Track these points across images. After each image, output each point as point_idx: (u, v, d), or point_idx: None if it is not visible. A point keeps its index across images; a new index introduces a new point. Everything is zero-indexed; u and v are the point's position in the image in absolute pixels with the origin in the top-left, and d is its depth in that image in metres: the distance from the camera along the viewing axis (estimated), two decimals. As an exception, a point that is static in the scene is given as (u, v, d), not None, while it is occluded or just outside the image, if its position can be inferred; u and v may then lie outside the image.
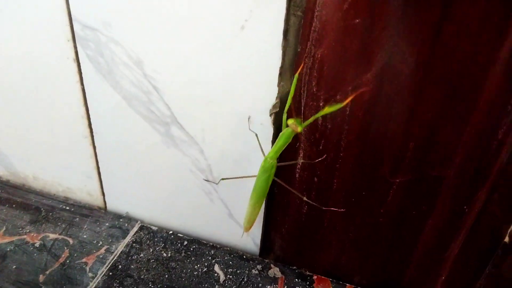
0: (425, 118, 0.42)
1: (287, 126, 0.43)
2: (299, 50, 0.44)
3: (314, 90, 0.44)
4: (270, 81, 0.46)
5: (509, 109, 0.39)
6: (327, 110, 0.40)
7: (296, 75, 0.41)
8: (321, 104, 0.45)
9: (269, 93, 0.47)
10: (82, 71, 0.54)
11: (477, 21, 0.36)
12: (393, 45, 0.38)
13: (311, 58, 0.43)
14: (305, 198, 0.50)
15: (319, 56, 0.42)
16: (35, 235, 0.64)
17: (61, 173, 0.69)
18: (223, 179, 0.55)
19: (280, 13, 0.41)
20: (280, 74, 0.45)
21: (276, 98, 0.47)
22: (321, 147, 0.48)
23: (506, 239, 0.48)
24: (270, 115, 0.48)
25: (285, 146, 0.44)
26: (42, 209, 0.68)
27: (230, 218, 0.59)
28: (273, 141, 0.50)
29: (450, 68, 0.38)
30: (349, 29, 0.39)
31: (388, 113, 0.43)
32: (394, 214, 0.49)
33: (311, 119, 0.42)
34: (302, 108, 0.47)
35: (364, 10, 0.38)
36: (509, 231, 0.47)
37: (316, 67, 0.43)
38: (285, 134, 0.43)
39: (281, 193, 0.55)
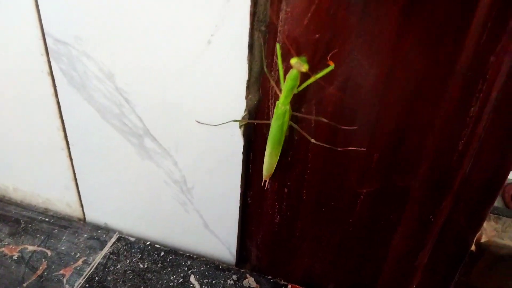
0: (388, 130, 0.43)
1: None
2: (265, 63, 0.44)
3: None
4: (238, 94, 0.46)
5: (467, 121, 0.40)
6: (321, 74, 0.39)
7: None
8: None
9: (238, 106, 0.47)
10: (56, 84, 0.55)
11: (434, 34, 0.37)
12: (353, 59, 0.39)
13: (277, 71, 0.44)
14: (313, 140, 0.45)
15: (284, 68, 0.43)
16: (13, 247, 0.64)
17: (40, 184, 0.69)
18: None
19: (245, 28, 0.42)
20: (248, 87, 0.46)
21: (245, 110, 0.47)
22: (289, 158, 0.48)
23: (473, 247, 0.49)
24: (240, 127, 0.49)
25: (294, 88, 0.41)
26: (21, 220, 0.69)
27: (206, 228, 0.60)
28: (243, 153, 0.51)
29: (410, 81, 0.39)
30: (310, 43, 0.40)
31: (351, 126, 0.43)
32: (363, 223, 0.50)
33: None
34: (271, 120, 0.47)
35: (323, 26, 0.38)
36: (475, 239, 0.48)
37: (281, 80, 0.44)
38: (291, 75, 0.40)
39: (255, 203, 0.55)
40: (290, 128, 0.46)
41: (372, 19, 0.37)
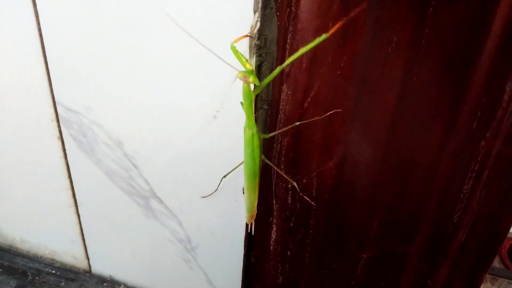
0: (386, 201, 0.45)
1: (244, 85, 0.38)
2: (267, 137, 0.46)
3: (283, 173, 0.47)
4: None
5: (461, 197, 0.42)
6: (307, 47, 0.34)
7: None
8: (289, 186, 0.47)
9: (242, 175, 0.49)
10: (65, 148, 0.57)
11: (427, 120, 0.39)
12: (351, 138, 0.41)
13: (279, 144, 0.46)
14: (294, 184, 0.46)
15: (285, 144, 0.45)
16: (20, 301, 0.65)
17: (47, 237, 0.71)
18: (224, 176, 0.49)
19: (248, 106, 0.44)
20: (251, 158, 0.48)
21: (248, 178, 0.49)
22: (292, 224, 0.50)
23: (471, 310, 0.50)
24: (243, 193, 0.51)
25: (252, 104, 0.39)
26: (28, 273, 0.70)
27: (209, 285, 0.61)
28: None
29: (405, 161, 0.41)
30: (310, 124, 0.42)
31: (351, 197, 0.45)
32: (363, 286, 0.52)
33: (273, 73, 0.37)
34: (273, 187, 0.49)
35: (322, 109, 0.41)
36: (472, 303, 0.50)
37: (283, 153, 0.46)
38: (243, 91, 0.38)
39: (259, 263, 0.57)
40: (292, 193, 0.47)
41: (369, 105, 0.39)
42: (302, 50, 0.33)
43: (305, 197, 0.47)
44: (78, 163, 0.58)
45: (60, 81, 0.51)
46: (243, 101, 0.39)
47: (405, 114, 0.39)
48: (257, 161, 0.43)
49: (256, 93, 0.39)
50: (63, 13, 0.45)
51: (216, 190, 0.51)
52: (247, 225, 0.54)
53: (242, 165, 0.46)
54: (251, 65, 0.39)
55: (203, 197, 0.53)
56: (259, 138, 0.42)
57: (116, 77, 0.48)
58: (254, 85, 0.38)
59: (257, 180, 0.45)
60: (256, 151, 0.42)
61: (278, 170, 0.47)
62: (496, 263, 0.71)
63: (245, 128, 0.41)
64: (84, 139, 0.54)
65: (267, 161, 0.46)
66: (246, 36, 0.40)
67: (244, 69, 0.37)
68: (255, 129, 0.41)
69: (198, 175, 0.51)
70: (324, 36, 0.32)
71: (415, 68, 0.36)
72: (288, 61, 0.34)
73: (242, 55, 0.38)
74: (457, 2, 0.33)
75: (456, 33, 0.34)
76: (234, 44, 0.38)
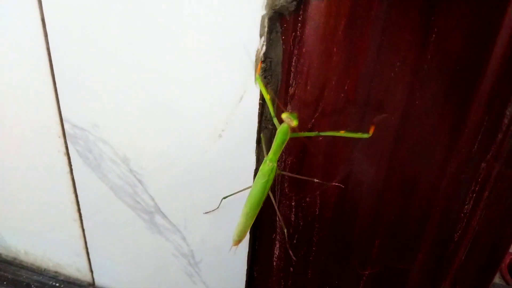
0: (388, 220, 0.45)
1: (280, 123, 0.40)
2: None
3: (286, 191, 0.48)
4: (246, 181, 0.49)
5: (462, 217, 0.42)
6: (345, 134, 0.39)
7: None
8: (292, 203, 0.48)
9: (245, 193, 0.50)
10: (72, 163, 0.58)
11: (428, 142, 0.40)
12: (354, 158, 0.42)
13: (283, 163, 0.46)
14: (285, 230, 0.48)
15: (289, 163, 0.46)
16: (24, 314, 0.66)
17: (51, 249, 0.71)
18: (224, 198, 0.50)
19: (253, 125, 0.45)
20: (255, 175, 0.49)
21: (252, 196, 0.50)
22: (295, 241, 0.51)
23: (472, 326, 0.51)
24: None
25: (284, 144, 0.41)
26: (32, 285, 0.71)
27: (213, 299, 0.61)
28: (250, 232, 0.53)
29: (406, 181, 0.42)
30: (314, 143, 0.43)
31: (354, 215, 0.46)
32: (366, 301, 0.52)
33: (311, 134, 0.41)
34: (276, 206, 0.50)
35: (325, 130, 0.42)
36: (473, 319, 0.50)
37: (287, 171, 0.47)
38: (281, 130, 0.40)
39: (261, 278, 0.58)
40: (295, 211, 0.48)
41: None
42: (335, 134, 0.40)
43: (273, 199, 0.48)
44: (83, 178, 0.58)
45: (67, 98, 0.52)
46: (276, 139, 0.40)
47: (408, 136, 0.40)
48: (266, 192, 0.44)
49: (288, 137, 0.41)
50: (72, 31, 0.46)
51: (217, 208, 0.52)
52: (250, 240, 0.55)
53: (246, 190, 0.47)
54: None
55: (205, 213, 0.53)
56: (275, 173, 0.43)
57: (122, 95, 0.49)
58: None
59: (259, 209, 0.46)
60: (269, 183, 0.43)
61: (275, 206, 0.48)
62: (497, 278, 0.71)
63: (265, 160, 0.42)
64: (90, 155, 0.55)
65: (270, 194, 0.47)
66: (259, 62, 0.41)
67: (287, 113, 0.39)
68: (276, 164, 0.42)
69: (202, 191, 0.52)
70: (366, 135, 0.38)
71: (418, 92, 0.37)
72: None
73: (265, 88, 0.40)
74: (459, 28, 0.34)
75: (458, 59, 0.35)
76: (258, 75, 0.40)
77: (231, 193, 0.49)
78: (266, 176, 0.43)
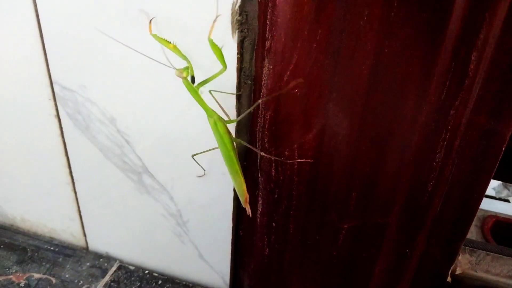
0: (363, 172, 0.47)
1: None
2: (252, 111, 0.49)
3: (267, 146, 0.49)
4: (228, 138, 0.50)
5: (434, 166, 0.44)
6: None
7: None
8: (272, 158, 0.49)
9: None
10: (62, 126, 0.59)
11: (399, 91, 0.41)
12: (328, 111, 0.44)
13: (262, 118, 0.48)
14: (263, 153, 0.48)
15: (268, 117, 0.47)
16: (20, 275, 0.68)
17: (46, 215, 0.73)
18: (193, 155, 0.52)
19: (232, 82, 0.46)
20: (237, 132, 0.50)
21: (234, 152, 0.51)
22: (276, 196, 0.52)
23: (449, 279, 0.52)
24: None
25: (198, 96, 0.43)
26: (28, 249, 0.73)
27: (201, 258, 0.63)
28: (234, 189, 0.55)
29: (380, 131, 0.43)
30: (290, 97, 0.44)
31: (330, 168, 0.47)
32: (346, 256, 0.54)
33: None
34: (258, 161, 0.51)
35: (300, 84, 0.43)
36: (450, 271, 0.52)
37: (266, 126, 0.48)
38: (185, 87, 0.43)
39: (246, 236, 0.59)
40: (275, 165, 0.50)
41: (343, 76, 0.41)
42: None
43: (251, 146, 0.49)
44: (74, 140, 0.60)
45: (57, 60, 0.54)
46: (191, 95, 0.43)
47: (379, 85, 0.41)
48: (229, 146, 0.46)
49: (201, 85, 0.44)
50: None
51: (205, 172, 0.54)
52: (234, 199, 0.56)
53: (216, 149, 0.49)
54: (169, 42, 0.42)
55: (198, 176, 0.55)
56: (223, 123, 0.45)
57: (109, 56, 0.50)
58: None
59: (236, 164, 0.47)
60: (225, 136, 0.45)
61: (254, 148, 0.49)
62: (479, 240, 0.73)
63: (208, 118, 0.45)
64: (79, 116, 0.57)
65: (243, 143, 0.49)
66: (151, 20, 0.43)
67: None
68: (215, 116, 0.44)
69: (187, 151, 0.53)
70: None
71: (386, 40, 0.38)
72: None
73: (163, 39, 0.42)
74: (422, -25, 0.35)
75: (424, 6, 0.36)
76: (153, 33, 0.42)
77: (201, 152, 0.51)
78: (216, 131, 0.45)
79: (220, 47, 0.41)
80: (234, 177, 0.49)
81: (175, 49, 0.42)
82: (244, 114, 0.48)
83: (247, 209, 0.50)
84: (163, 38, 0.42)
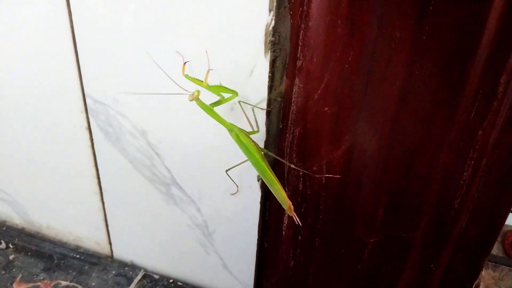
0: (390, 188, 0.48)
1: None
2: (281, 127, 0.50)
3: (295, 161, 0.50)
4: (257, 152, 0.52)
5: (461, 184, 0.45)
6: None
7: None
8: (300, 173, 0.51)
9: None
10: (93, 137, 0.61)
11: (427, 112, 0.42)
12: (358, 128, 0.45)
13: (291, 134, 0.49)
14: (293, 166, 0.50)
15: (297, 133, 0.48)
16: (48, 282, 0.70)
17: (72, 223, 0.75)
18: (227, 170, 0.53)
19: (263, 98, 0.48)
20: (266, 147, 0.52)
21: (263, 166, 0.53)
22: (303, 210, 0.53)
23: (472, 293, 0.53)
24: (258, 180, 0.55)
25: (214, 113, 0.46)
26: (54, 257, 0.75)
27: (225, 269, 0.65)
28: (261, 202, 0.56)
29: (408, 150, 0.44)
30: (319, 114, 0.45)
31: (358, 184, 0.49)
32: (370, 269, 0.55)
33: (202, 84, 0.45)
34: (286, 174, 0.53)
35: (331, 100, 0.44)
36: (473, 286, 0.52)
37: (295, 142, 0.49)
38: (200, 107, 0.46)
39: (271, 247, 0.60)
40: (303, 180, 0.51)
41: (374, 96, 0.43)
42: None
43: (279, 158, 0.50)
44: (104, 152, 0.62)
45: (90, 74, 0.56)
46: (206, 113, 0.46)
47: (408, 105, 0.42)
48: (257, 156, 0.47)
49: (215, 105, 0.47)
50: (95, 7, 0.50)
51: (238, 189, 0.56)
52: (261, 211, 0.57)
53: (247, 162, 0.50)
54: (202, 81, 0.45)
55: (232, 194, 0.56)
56: (246, 135, 0.47)
57: (141, 70, 0.52)
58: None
59: (269, 172, 0.48)
60: (250, 146, 0.47)
61: (282, 159, 0.50)
62: (500, 254, 0.73)
63: (228, 132, 0.47)
64: (110, 129, 0.59)
65: (270, 153, 0.51)
66: (185, 63, 0.46)
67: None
68: (235, 129, 0.47)
69: (216, 164, 0.55)
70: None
71: (417, 62, 0.40)
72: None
73: (196, 79, 0.45)
74: (455, 1, 0.36)
75: (454, 30, 0.37)
76: (185, 74, 0.45)
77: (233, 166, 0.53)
78: (241, 144, 0.47)
79: (217, 85, 0.46)
80: (271, 186, 0.49)
81: (208, 87, 0.45)
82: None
83: (294, 217, 0.50)
84: (195, 78, 0.45)
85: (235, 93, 0.46)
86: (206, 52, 0.46)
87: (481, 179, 0.44)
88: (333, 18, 0.40)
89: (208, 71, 0.45)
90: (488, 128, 0.41)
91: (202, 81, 0.45)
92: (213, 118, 0.47)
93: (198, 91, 0.45)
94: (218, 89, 0.46)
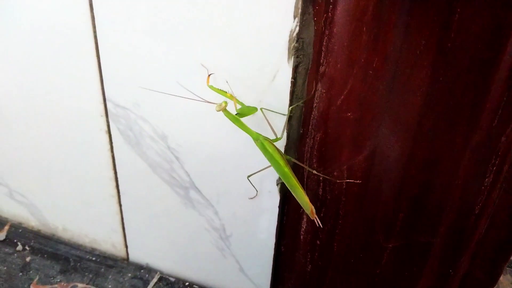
0: (411, 194, 0.48)
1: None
2: (301, 132, 0.51)
3: (315, 166, 0.51)
4: (277, 157, 0.52)
5: (482, 189, 0.45)
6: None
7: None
8: (320, 178, 0.51)
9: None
10: (113, 141, 0.62)
11: (451, 118, 0.42)
12: (380, 134, 0.45)
13: (312, 139, 0.50)
14: (315, 172, 0.50)
15: (318, 139, 0.49)
16: (65, 284, 0.70)
17: (88, 225, 0.76)
18: (249, 176, 0.54)
19: (285, 104, 0.48)
20: (285, 151, 0.52)
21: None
22: (322, 214, 0.54)
23: (491, 299, 0.53)
24: (277, 185, 0.55)
25: (240, 124, 0.47)
26: (71, 259, 0.75)
27: (241, 272, 0.65)
28: (279, 207, 0.56)
29: (430, 155, 0.45)
30: (342, 120, 0.46)
31: (378, 189, 0.49)
32: (389, 274, 0.55)
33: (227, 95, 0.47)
34: (305, 179, 0.53)
35: (354, 106, 0.45)
36: (492, 292, 0.53)
37: (316, 147, 0.50)
38: (228, 117, 0.47)
39: (288, 251, 0.61)
40: (323, 185, 0.51)
41: (397, 102, 0.43)
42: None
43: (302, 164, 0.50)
44: (123, 155, 0.62)
45: (111, 78, 0.56)
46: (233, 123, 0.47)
47: (431, 111, 0.42)
48: (281, 162, 0.48)
49: (240, 116, 0.48)
50: (117, 12, 0.50)
51: (257, 193, 0.57)
52: (279, 215, 0.58)
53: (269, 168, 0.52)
54: (226, 92, 0.47)
55: (250, 198, 0.57)
56: (271, 142, 0.48)
57: (162, 75, 0.53)
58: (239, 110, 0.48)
59: (292, 178, 0.49)
60: (275, 154, 0.48)
61: (302, 164, 0.51)
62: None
63: (254, 141, 0.48)
64: (130, 133, 0.59)
65: (293, 159, 0.51)
66: (210, 75, 0.48)
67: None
68: (261, 137, 0.48)
69: (235, 168, 0.56)
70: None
71: (441, 69, 0.40)
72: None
73: (220, 89, 0.47)
74: (480, 8, 0.37)
75: (479, 37, 0.38)
76: (210, 84, 0.47)
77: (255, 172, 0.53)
78: (266, 151, 0.48)
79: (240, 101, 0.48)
80: (294, 191, 0.50)
81: (232, 97, 0.47)
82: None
83: (315, 221, 0.50)
84: (219, 88, 0.47)
85: (254, 109, 0.48)
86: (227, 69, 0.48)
87: (503, 185, 0.45)
88: (358, 25, 0.40)
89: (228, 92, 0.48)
90: (511, 134, 0.41)
91: (226, 92, 0.46)
92: (239, 127, 0.48)
93: (226, 102, 0.46)
94: (240, 104, 0.48)
